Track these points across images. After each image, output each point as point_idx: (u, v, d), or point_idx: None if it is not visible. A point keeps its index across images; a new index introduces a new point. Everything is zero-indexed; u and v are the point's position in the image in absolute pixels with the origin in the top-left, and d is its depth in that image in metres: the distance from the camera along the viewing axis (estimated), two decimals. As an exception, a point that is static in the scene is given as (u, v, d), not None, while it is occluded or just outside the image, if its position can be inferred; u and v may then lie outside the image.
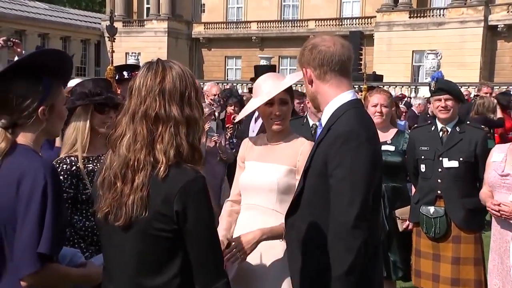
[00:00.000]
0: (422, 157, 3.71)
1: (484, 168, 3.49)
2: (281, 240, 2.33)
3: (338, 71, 1.99)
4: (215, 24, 39.88)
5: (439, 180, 3.63)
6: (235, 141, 5.67)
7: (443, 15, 31.66)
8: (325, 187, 1.87)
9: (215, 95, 6.89)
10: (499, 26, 30.59)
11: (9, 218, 1.64)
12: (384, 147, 3.74)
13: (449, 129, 3.70)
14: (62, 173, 2.31)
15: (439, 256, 3.63)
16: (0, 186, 1.66)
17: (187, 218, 1.52)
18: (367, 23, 34.54)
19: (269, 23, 37.99)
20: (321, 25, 35.77)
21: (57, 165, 2.32)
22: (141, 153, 1.56)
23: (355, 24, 34.87)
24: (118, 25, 30.20)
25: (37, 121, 1.75)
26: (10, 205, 1.64)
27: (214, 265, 1.58)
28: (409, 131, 4.42)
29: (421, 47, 30.11)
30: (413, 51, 31.92)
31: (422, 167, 3.72)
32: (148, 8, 40.73)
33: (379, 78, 25.89)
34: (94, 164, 2.41)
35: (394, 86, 23.68)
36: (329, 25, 35.68)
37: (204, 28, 40.32)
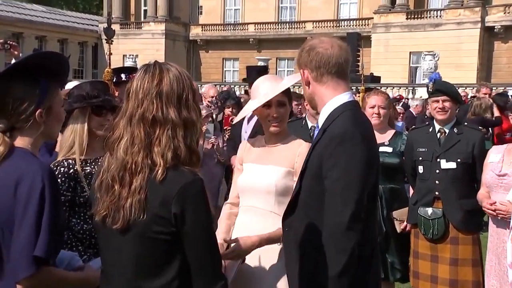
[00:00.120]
0: (420, 158, 3.72)
1: (482, 169, 3.50)
2: (279, 244, 2.33)
3: (335, 73, 2.00)
4: (212, 26, 39.88)
5: (437, 182, 3.64)
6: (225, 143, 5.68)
7: (440, 16, 31.71)
8: (321, 188, 1.87)
9: (212, 97, 6.90)
10: (495, 27, 30.67)
11: (7, 221, 1.64)
12: (381, 149, 3.75)
13: (447, 131, 3.71)
14: (59, 176, 2.31)
15: (437, 257, 3.63)
16: (-2, 189, 1.65)
17: (185, 221, 1.52)
18: (365, 25, 34.58)
19: (266, 25, 38.01)
20: (318, 27, 35.80)
21: (55, 168, 2.32)
22: (138, 155, 1.55)
23: (353, 26, 34.90)
24: (115, 27, 30.21)
25: (34, 124, 1.75)
26: (7, 208, 1.63)
27: (212, 267, 1.58)
28: (407, 132, 4.43)
29: (418, 48, 30.15)
30: (410, 52, 31.96)
31: (420, 169, 3.72)
32: (145, 10, 40.71)
33: (377, 79, 25.90)
34: (92, 166, 2.41)
35: (392, 88, 23.69)
36: (327, 26, 35.72)
37: (202, 30, 40.32)
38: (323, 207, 1.85)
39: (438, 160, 3.63)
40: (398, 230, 3.81)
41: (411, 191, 4.01)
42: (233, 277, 2.29)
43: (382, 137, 3.85)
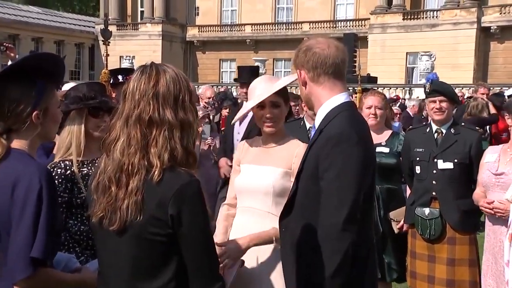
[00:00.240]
0: (417, 158, 3.72)
1: (478, 170, 3.51)
2: (274, 243, 2.33)
3: (332, 74, 2.00)
4: (209, 27, 39.88)
5: (434, 182, 3.64)
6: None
7: (436, 16, 31.80)
8: (317, 189, 1.87)
9: (209, 98, 6.90)
10: (492, 27, 30.77)
11: (4, 223, 1.63)
12: (378, 149, 3.75)
13: (444, 131, 3.71)
14: (56, 177, 2.30)
15: (434, 257, 3.63)
16: (-5, 191, 1.65)
17: (182, 222, 1.52)
18: (361, 25, 34.65)
19: (263, 26, 38.02)
20: (315, 28, 35.84)
21: (52, 169, 2.31)
22: (135, 157, 1.55)
23: (349, 26, 34.96)
24: (112, 28, 30.14)
25: (31, 125, 1.74)
26: (5, 210, 1.63)
27: (209, 268, 1.58)
28: (403, 132, 4.44)
29: (415, 49, 30.23)
30: (407, 52, 32.03)
31: (417, 169, 3.73)
32: (142, 12, 40.68)
33: (374, 80, 25.97)
34: (89, 168, 2.40)
35: (389, 88, 23.75)
36: (323, 27, 35.77)
37: (199, 31, 40.32)
38: (319, 207, 1.85)
39: (435, 160, 3.64)
40: (395, 231, 3.81)
41: (408, 191, 4.02)
42: (232, 281, 2.29)
43: (379, 138, 3.86)
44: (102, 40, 7.35)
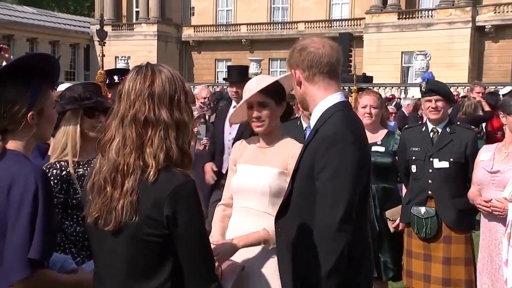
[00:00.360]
0: (413, 157, 3.73)
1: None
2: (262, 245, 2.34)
3: (327, 73, 1.99)
4: (204, 27, 39.84)
5: (429, 181, 3.65)
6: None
7: (431, 16, 31.88)
8: (313, 189, 1.87)
9: (205, 98, 6.89)
10: (486, 26, 30.87)
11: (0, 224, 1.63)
12: (374, 148, 3.76)
13: (440, 130, 3.72)
14: (52, 178, 2.29)
15: (430, 256, 3.64)
16: (-10, 192, 1.64)
17: (177, 223, 1.52)
18: (356, 25, 34.69)
19: (258, 26, 38.03)
20: (310, 27, 35.88)
21: (47, 170, 2.31)
22: (130, 157, 1.55)
23: (345, 26, 34.99)
24: (107, 29, 30.08)
25: (26, 126, 1.74)
26: (0, 211, 1.62)
27: (205, 269, 1.57)
28: (399, 132, 4.45)
29: (410, 48, 30.30)
30: (402, 52, 32.09)
31: (413, 168, 3.74)
32: (137, 12, 40.60)
33: (369, 79, 26.00)
34: (85, 168, 2.40)
35: (384, 87, 23.79)
36: (319, 27, 35.80)
37: (194, 31, 40.28)
38: (314, 207, 1.85)
39: (431, 159, 3.65)
40: (391, 230, 3.82)
41: (404, 191, 4.03)
42: (233, 286, 2.29)
43: (375, 137, 3.87)
44: (98, 41, 7.33)
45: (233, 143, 4.67)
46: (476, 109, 7.00)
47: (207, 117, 6.25)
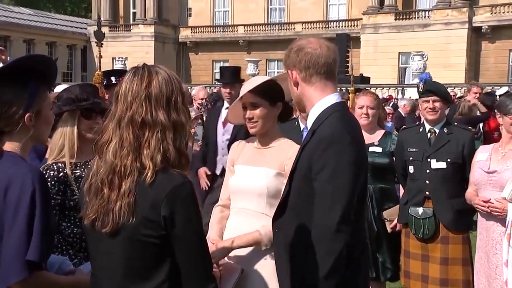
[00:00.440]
0: (411, 158, 3.73)
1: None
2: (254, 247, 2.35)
3: (324, 74, 1.99)
4: (202, 28, 39.84)
5: (427, 181, 3.65)
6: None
7: (428, 16, 31.95)
8: (310, 190, 1.87)
9: (202, 99, 6.88)
10: (483, 27, 30.95)
11: (-4, 226, 1.62)
12: (371, 149, 3.77)
13: (437, 131, 3.73)
14: (49, 179, 2.29)
15: (427, 256, 3.65)
16: (-13, 194, 1.64)
17: (175, 223, 1.52)
18: (354, 26, 34.74)
19: (256, 27, 38.04)
20: (307, 28, 35.91)
21: (44, 172, 2.30)
22: (127, 159, 1.55)
23: (342, 27, 35.04)
24: (104, 30, 29.99)
25: (24, 127, 1.74)
26: (-3, 212, 1.62)
27: (203, 269, 1.57)
28: (396, 132, 4.45)
29: (407, 49, 30.33)
30: (399, 52, 32.15)
31: (411, 168, 3.74)
32: (134, 13, 40.58)
33: (366, 80, 26.05)
34: (82, 170, 2.39)
35: (381, 88, 23.83)
36: (316, 27, 35.83)
37: (191, 32, 40.27)
38: (312, 208, 1.85)
39: (429, 160, 3.65)
40: (388, 230, 3.82)
41: (401, 191, 4.03)
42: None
43: (372, 137, 3.87)
44: (95, 42, 7.31)
45: (228, 144, 4.66)
46: (471, 110, 7.03)
47: (204, 118, 6.24)
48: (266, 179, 2.42)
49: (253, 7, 38.12)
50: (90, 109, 2.46)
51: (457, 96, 12.31)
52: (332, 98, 2.00)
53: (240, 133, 4.51)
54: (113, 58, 33.46)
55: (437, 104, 3.68)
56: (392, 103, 12.83)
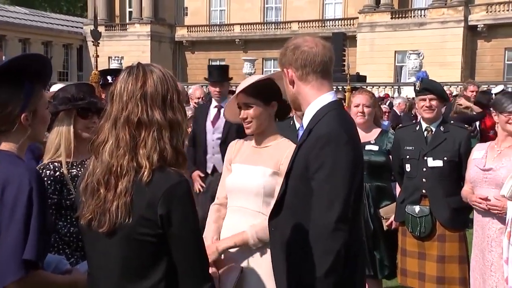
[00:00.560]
0: (407, 156, 3.74)
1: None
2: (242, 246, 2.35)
3: (320, 73, 1.98)
4: (198, 27, 39.81)
5: (424, 180, 3.66)
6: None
7: (424, 15, 32.01)
8: (307, 189, 1.86)
9: (199, 98, 6.87)
10: (478, 26, 31.02)
11: (-7, 225, 1.62)
12: (367, 147, 3.77)
13: (434, 129, 3.73)
14: (45, 179, 2.28)
15: (424, 254, 3.66)
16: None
17: (172, 222, 1.51)
18: (350, 24, 34.77)
19: (252, 26, 38.03)
20: (304, 27, 35.92)
21: (41, 171, 2.29)
22: (124, 158, 1.54)
23: (338, 26, 35.07)
24: (100, 29, 29.93)
25: (20, 127, 1.73)
26: (-6, 212, 1.61)
27: (200, 269, 1.57)
28: (392, 130, 4.46)
29: (403, 48, 30.40)
30: (395, 51, 32.20)
31: (407, 167, 3.75)
32: (130, 12, 40.49)
33: (363, 78, 26.07)
34: (78, 169, 2.39)
35: (378, 87, 23.85)
36: (312, 26, 35.86)
37: (187, 31, 40.23)
38: (309, 207, 1.84)
39: (425, 158, 3.66)
40: (384, 228, 3.83)
41: (398, 189, 4.04)
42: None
43: (368, 136, 3.88)
44: (92, 41, 7.28)
45: (220, 143, 4.65)
46: (466, 108, 7.06)
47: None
48: (263, 178, 2.42)
49: (249, 6, 38.11)
50: (86, 108, 2.46)
51: (453, 95, 12.34)
52: (328, 97, 2.00)
53: (231, 131, 4.51)
54: (109, 57, 33.36)
55: (433, 103, 3.68)
56: (388, 101, 12.85)
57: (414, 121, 4.19)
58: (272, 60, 36.88)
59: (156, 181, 1.52)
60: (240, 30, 38.31)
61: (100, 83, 4.43)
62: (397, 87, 24.74)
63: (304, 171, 1.89)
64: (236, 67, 35.83)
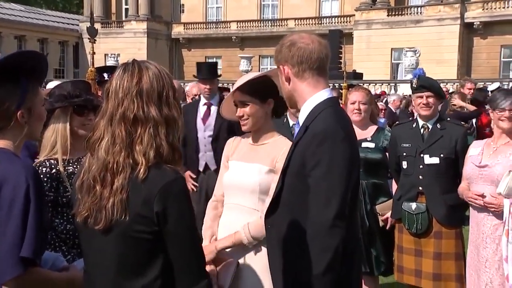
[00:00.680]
0: (404, 153, 3.74)
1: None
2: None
3: (316, 69, 1.98)
4: (194, 24, 39.75)
5: (420, 177, 3.67)
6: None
7: (420, 12, 32.04)
8: (303, 186, 1.86)
9: (196, 95, 6.86)
10: (475, 23, 31.08)
11: (-10, 222, 1.61)
12: (364, 144, 3.78)
13: (430, 126, 3.74)
14: (42, 176, 2.28)
15: (421, 251, 3.67)
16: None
17: (168, 219, 1.51)
18: (346, 22, 34.78)
19: (248, 23, 37.99)
20: (300, 24, 35.91)
21: (37, 168, 2.29)
22: (120, 155, 1.54)
23: (334, 23, 35.08)
24: (96, 26, 29.87)
25: (16, 124, 1.73)
26: (-10, 209, 1.61)
27: (196, 266, 1.57)
28: (388, 128, 4.47)
29: (399, 45, 30.45)
30: (392, 48, 32.24)
31: (404, 164, 3.75)
32: (126, 9, 40.41)
33: (359, 76, 26.09)
34: (74, 166, 2.38)
35: (374, 84, 23.88)
36: (309, 24, 35.85)
37: (184, 29, 40.16)
38: (305, 205, 1.84)
39: (422, 155, 3.66)
40: (380, 224, 3.84)
41: (394, 187, 4.05)
42: (229, 284, 2.29)
43: (364, 133, 3.88)
44: (88, 38, 7.27)
45: (212, 140, 4.64)
46: (460, 108, 7.08)
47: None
48: (258, 175, 2.42)
49: (245, 3, 38.08)
50: (82, 105, 2.46)
51: (449, 92, 12.36)
52: (324, 94, 1.99)
53: (223, 128, 4.50)
54: (105, 55, 33.32)
55: (430, 100, 3.69)
56: (385, 99, 12.86)
57: (411, 119, 4.18)
58: (269, 57, 36.86)
59: (152, 178, 1.52)
60: (237, 27, 38.27)
61: (97, 80, 4.43)
62: (393, 84, 24.78)
63: (300, 168, 1.89)
64: (233, 64, 35.94)
